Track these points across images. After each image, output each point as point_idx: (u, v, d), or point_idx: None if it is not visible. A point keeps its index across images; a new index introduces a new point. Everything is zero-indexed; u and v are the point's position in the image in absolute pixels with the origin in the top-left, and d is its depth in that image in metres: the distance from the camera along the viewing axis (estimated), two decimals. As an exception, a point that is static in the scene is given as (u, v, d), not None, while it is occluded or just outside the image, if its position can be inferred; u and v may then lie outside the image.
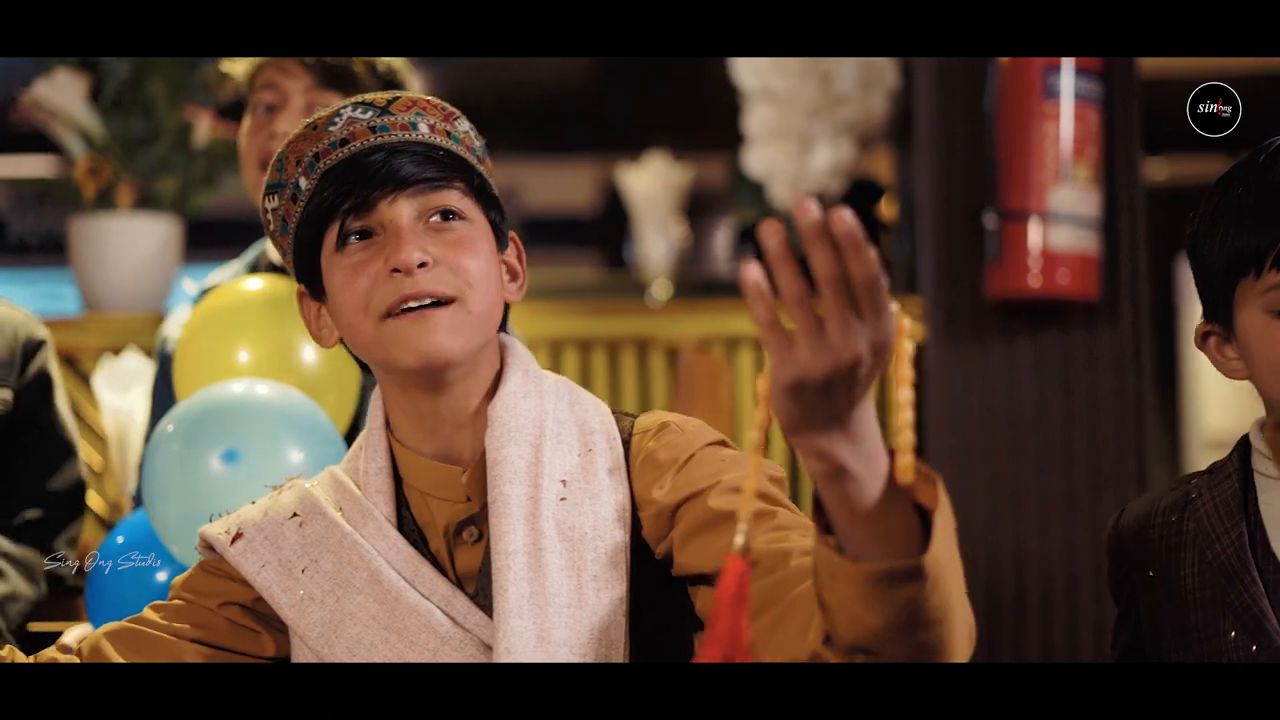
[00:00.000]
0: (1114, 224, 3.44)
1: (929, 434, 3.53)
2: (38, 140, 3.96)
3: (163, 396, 2.43)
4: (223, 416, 2.02)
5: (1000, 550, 3.43)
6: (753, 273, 1.17)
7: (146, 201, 3.67)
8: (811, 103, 3.57)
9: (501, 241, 1.69)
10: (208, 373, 2.13)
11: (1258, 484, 1.73)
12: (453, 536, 1.65)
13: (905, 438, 1.24)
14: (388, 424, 1.69)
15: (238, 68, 2.47)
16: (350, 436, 2.25)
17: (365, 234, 1.63)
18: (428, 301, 1.59)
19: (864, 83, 3.64)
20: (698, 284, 5.31)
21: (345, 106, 1.65)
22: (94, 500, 3.25)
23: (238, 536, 1.66)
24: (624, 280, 5.51)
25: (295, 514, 1.66)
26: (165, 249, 3.69)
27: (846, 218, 1.15)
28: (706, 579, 1.54)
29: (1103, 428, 3.45)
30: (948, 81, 3.50)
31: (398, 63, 2.45)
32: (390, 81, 2.43)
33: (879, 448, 1.25)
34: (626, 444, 1.66)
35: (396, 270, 1.59)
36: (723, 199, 6.21)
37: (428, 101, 1.67)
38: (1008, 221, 3.37)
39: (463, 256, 1.62)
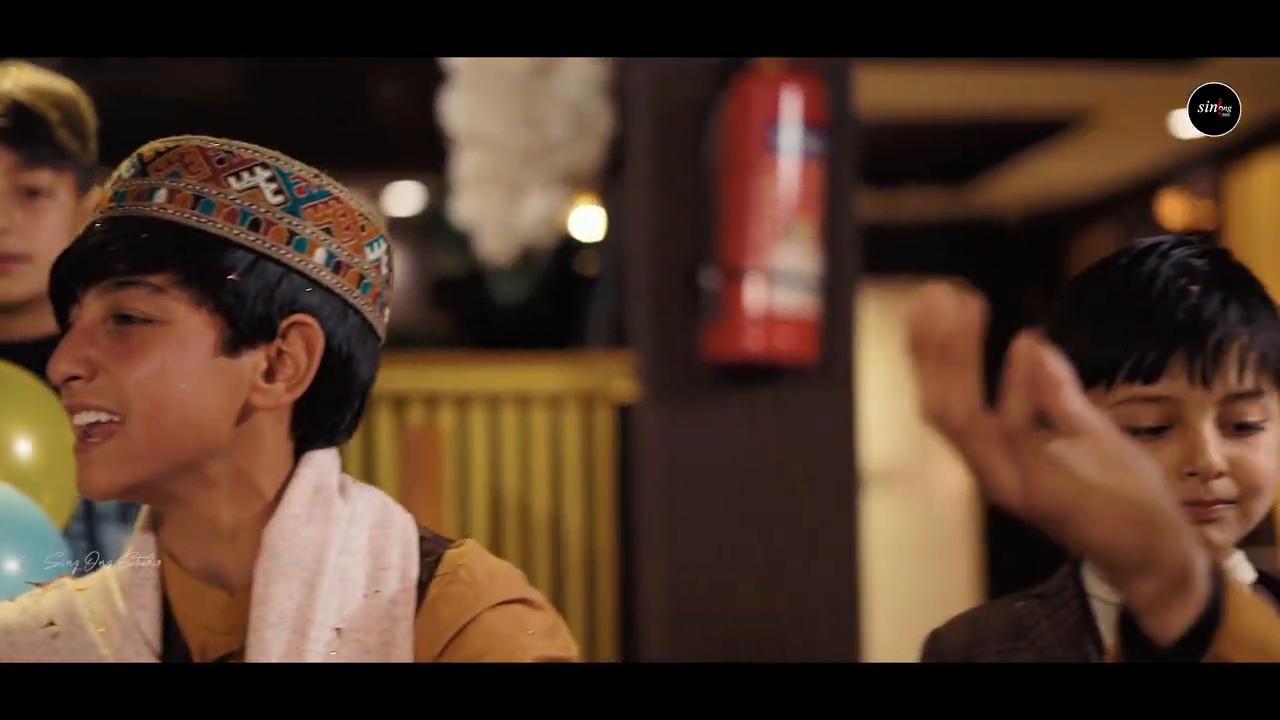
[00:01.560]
0: (832, 284, 3.37)
1: (642, 497, 3.40)
2: None
3: None
4: (-77, 520, 1.71)
5: (720, 615, 3.32)
6: None
7: None
8: (524, 149, 3.41)
9: (245, 337, 1.40)
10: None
11: (1096, 610, 1.60)
12: None
13: None
14: (156, 521, 1.43)
15: None
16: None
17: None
18: (90, 420, 1.37)
19: (577, 129, 3.50)
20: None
21: (138, 154, 1.42)
22: None
23: None
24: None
25: (52, 622, 1.41)
26: None
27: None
28: None
29: (820, 492, 3.38)
30: (666, 131, 3.37)
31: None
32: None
33: None
34: (424, 587, 1.40)
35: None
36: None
37: (209, 151, 1.40)
38: (727, 280, 3.26)
39: (129, 367, 1.37)
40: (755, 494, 3.37)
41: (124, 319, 1.37)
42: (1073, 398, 1.02)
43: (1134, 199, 8.70)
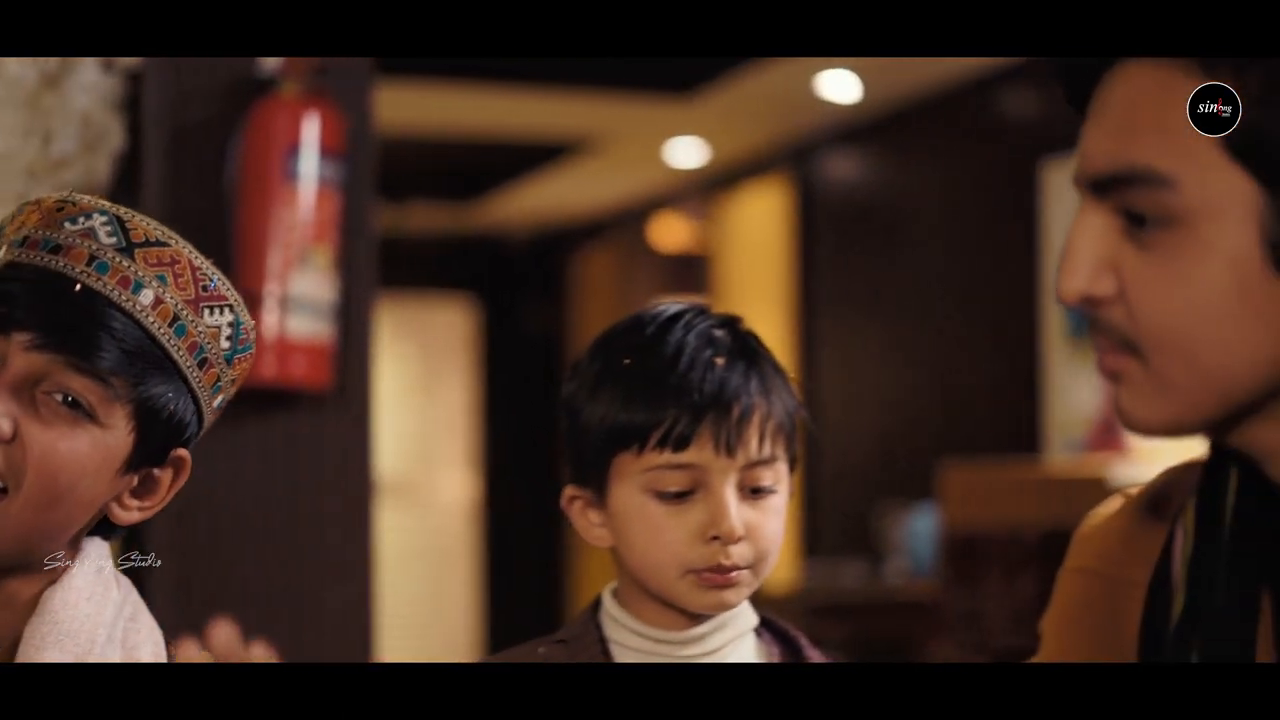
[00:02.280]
0: (348, 310, 3.39)
1: (149, 526, 3.33)
2: None
3: None
4: None
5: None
6: None
7: None
8: (30, 162, 3.28)
9: (144, 461, 1.40)
10: None
11: (614, 654, 1.68)
12: None
13: None
14: None
15: None
16: None
17: None
18: None
19: (87, 144, 3.40)
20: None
21: (102, 214, 1.36)
22: None
23: None
24: None
25: None
26: None
27: None
28: None
29: (334, 513, 3.39)
30: (180, 151, 3.32)
31: None
32: None
33: None
34: None
35: None
36: None
37: (198, 270, 1.38)
38: (243, 305, 3.24)
39: (47, 449, 1.33)
40: (268, 520, 3.36)
41: (68, 401, 1.33)
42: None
43: (630, 221, 9.04)
